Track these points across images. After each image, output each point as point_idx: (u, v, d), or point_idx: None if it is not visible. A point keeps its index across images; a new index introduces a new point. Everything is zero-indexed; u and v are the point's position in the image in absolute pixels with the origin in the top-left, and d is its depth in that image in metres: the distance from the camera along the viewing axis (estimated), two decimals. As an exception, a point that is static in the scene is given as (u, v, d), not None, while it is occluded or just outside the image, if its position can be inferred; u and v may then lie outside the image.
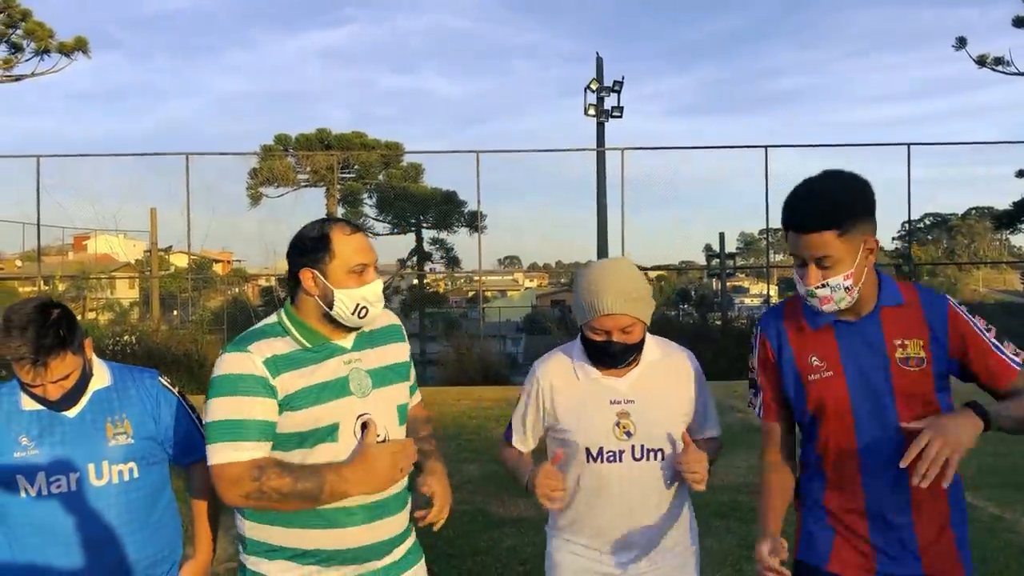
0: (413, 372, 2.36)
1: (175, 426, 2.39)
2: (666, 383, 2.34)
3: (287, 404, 2.00)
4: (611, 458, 2.26)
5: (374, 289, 2.07)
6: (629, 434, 2.26)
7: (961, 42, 19.84)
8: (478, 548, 5.15)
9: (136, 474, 2.28)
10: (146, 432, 2.32)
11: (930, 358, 2.01)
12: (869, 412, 2.04)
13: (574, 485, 2.32)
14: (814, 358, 2.09)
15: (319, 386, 2.02)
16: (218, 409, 1.99)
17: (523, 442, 2.47)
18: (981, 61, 20.22)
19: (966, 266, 40.67)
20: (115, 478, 2.24)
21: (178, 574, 2.44)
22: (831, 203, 1.95)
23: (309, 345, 2.07)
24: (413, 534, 2.30)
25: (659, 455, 2.27)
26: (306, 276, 2.05)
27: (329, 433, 2.02)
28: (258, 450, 1.97)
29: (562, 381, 2.36)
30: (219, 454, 1.96)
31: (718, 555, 4.89)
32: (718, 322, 19.56)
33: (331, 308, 2.05)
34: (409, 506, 2.23)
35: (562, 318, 21.03)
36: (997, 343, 2.02)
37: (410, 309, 27.30)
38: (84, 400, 2.26)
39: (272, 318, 2.14)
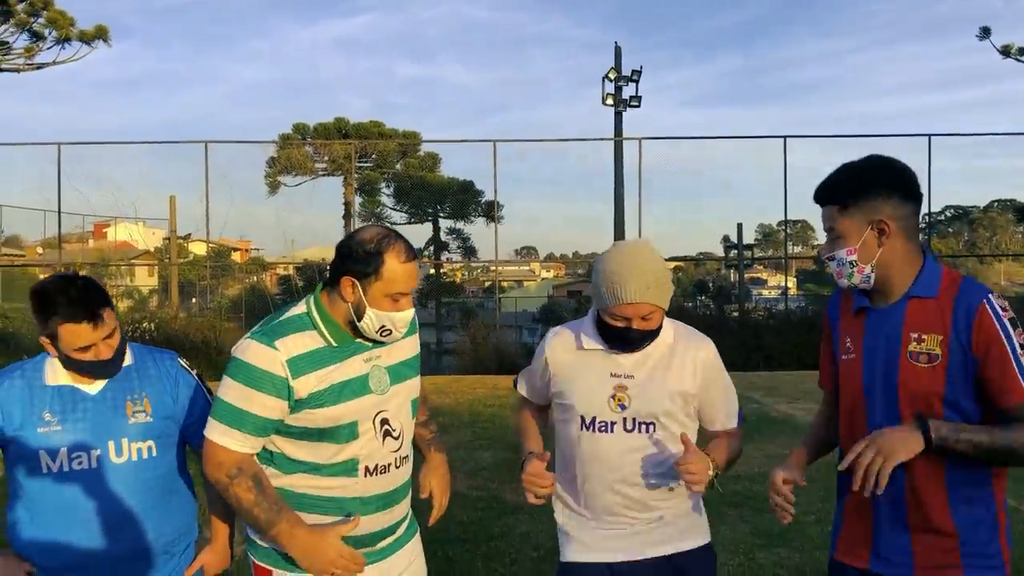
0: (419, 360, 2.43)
1: (191, 407, 2.42)
2: (671, 365, 2.33)
3: (308, 403, 2.04)
4: (603, 428, 2.30)
5: (404, 316, 2.11)
6: (623, 407, 2.29)
7: (985, 32, 19.58)
8: (492, 534, 5.18)
9: (154, 452, 2.31)
10: (165, 411, 2.35)
11: (946, 356, 1.93)
12: (878, 401, 2.04)
13: (571, 451, 2.37)
14: (847, 340, 2.14)
15: (340, 385, 2.07)
16: (230, 391, 2.04)
17: (527, 392, 2.59)
18: (1005, 51, 19.95)
19: (987, 259, 40.25)
20: (134, 455, 2.27)
21: (194, 554, 2.48)
22: (838, 179, 2.05)
23: (335, 343, 2.10)
24: (411, 516, 2.38)
25: (651, 428, 2.29)
26: (346, 284, 2.06)
27: (350, 431, 2.09)
28: (251, 444, 2.05)
29: (569, 353, 2.40)
30: (215, 432, 2.05)
31: (731, 543, 4.90)
32: (735, 313, 19.47)
33: (359, 320, 2.07)
34: (410, 492, 2.31)
35: (578, 309, 20.99)
36: (1019, 356, 1.88)
37: (427, 299, 27.39)
38: (104, 379, 2.29)
39: (301, 307, 2.14)
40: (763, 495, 5.93)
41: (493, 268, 20.52)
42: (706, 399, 2.37)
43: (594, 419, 2.30)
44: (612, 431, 2.29)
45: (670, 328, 2.37)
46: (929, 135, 16.81)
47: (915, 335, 1.97)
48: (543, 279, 54.83)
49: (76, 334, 2.15)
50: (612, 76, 20.20)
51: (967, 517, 1.96)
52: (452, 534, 5.04)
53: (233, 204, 22.68)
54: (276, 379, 2.00)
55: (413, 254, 2.10)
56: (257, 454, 2.11)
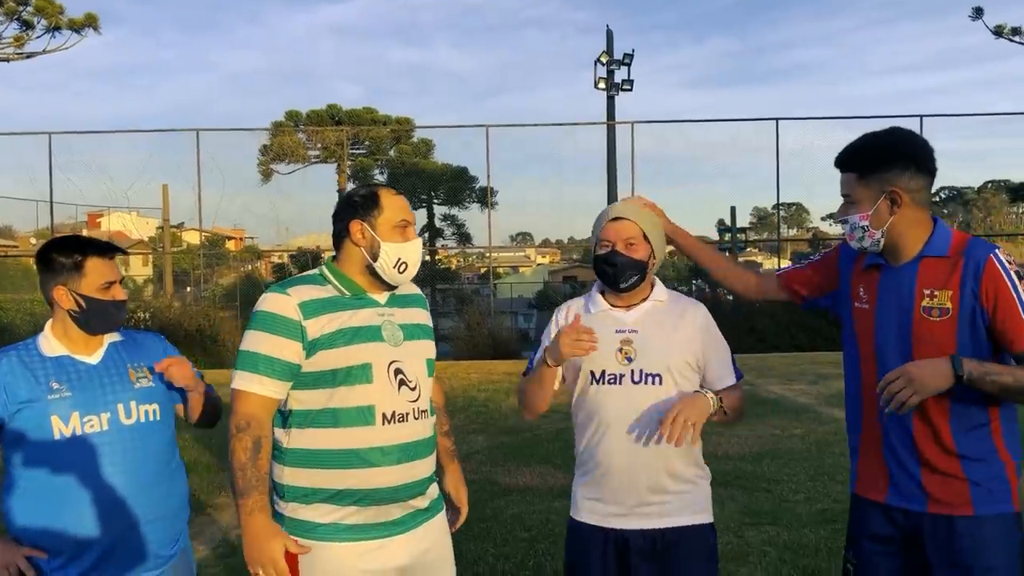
0: (433, 345, 2.49)
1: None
2: (671, 321, 2.45)
3: (321, 344, 2.14)
4: (612, 380, 2.39)
5: (415, 247, 2.27)
6: (630, 359, 2.39)
7: (978, 12, 19.60)
8: (484, 515, 5.22)
9: (159, 416, 2.39)
10: (162, 380, 2.42)
11: (956, 310, 2.07)
12: (891, 353, 2.16)
13: (585, 411, 2.46)
14: (861, 290, 2.28)
15: (353, 329, 2.18)
16: (248, 339, 2.17)
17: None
18: (998, 32, 19.97)
19: (981, 239, 40.23)
20: (142, 417, 2.35)
21: (189, 540, 2.52)
22: (859, 148, 2.19)
23: (347, 294, 2.23)
24: (436, 489, 2.40)
25: (657, 380, 2.37)
26: (355, 227, 2.23)
27: (364, 374, 2.16)
28: (269, 387, 2.13)
29: (575, 314, 2.48)
30: (241, 380, 2.15)
31: (720, 522, 4.88)
32: (729, 296, 19.52)
33: (375, 260, 2.22)
34: (435, 452, 2.36)
35: (573, 294, 21.01)
36: None
37: (422, 285, 27.35)
38: (102, 350, 2.37)
39: (314, 270, 2.31)
40: (753, 475, 6.03)
41: (488, 254, 20.51)
42: (706, 360, 2.46)
43: (603, 372, 2.40)
44: (620, 383, 2.38)
45: (662, 289, 2.52)
46: (921, 116, 16.82)
47: (927, 291, 2.12)
48: (538, 265, 54.87)
49: (107, 268, 2.33)
50: (604, 60, 20.14)
51: (973, 455, 2.10)
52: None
53: (226, 192, 22.56)
54: (290, 322, 2.13)
55: (400, 191, 2.32)
56: (283, 420, 2.20)
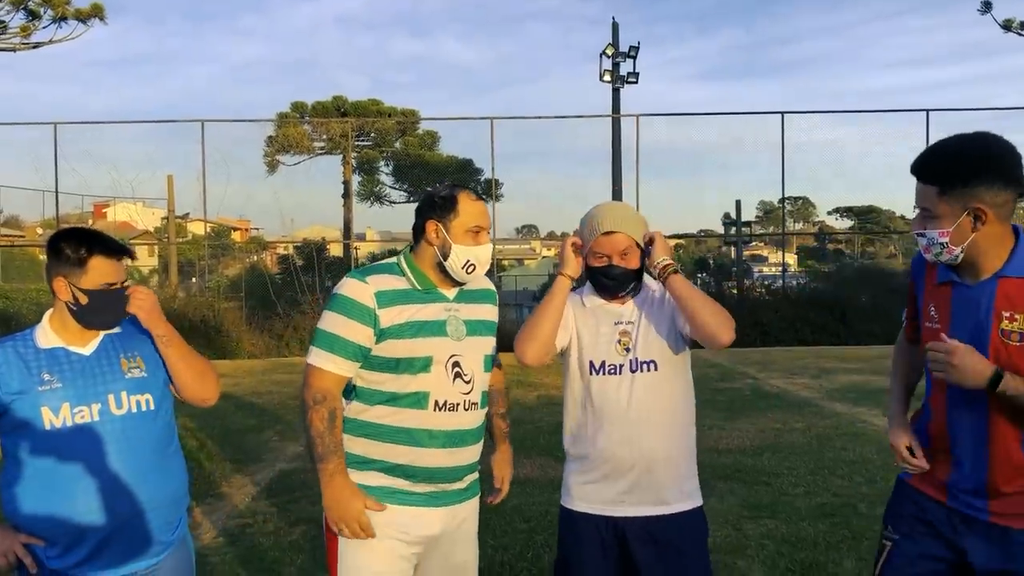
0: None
1: None
2: (662, 306, 2.52)
3: (390, 333, 2.31)
4: (612, 371, 2.47)
5: (485, 251, 2.40)
6: (628, 349, 2.48)
7: (986, 6, 19.45)
8: (483, 506, 5.23)
9: (152, 406, 2.39)
10: (157, 368, 2.43)
11: None
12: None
13: (582, 400, 2.52)
14: (932, 308, 2.17)
15: (420, 323, 2.33)
16: (326, 319, 2.34)
17: None
18: (1007, 26, 19.83)
19: (988, 235, 40.13)
20: (133, 407, 2.34)
21: (187, 528, 2.53)
22: (943, 161, 2.01)
23: (419, 287, 2.38)
24: (476, 475, 2.55)
25: (652, 366, 2.46)
26: (431, 227, 2.37)
27: (424, 365, 2.33)
28: (342, 366, 2.32)
29: (575, 311, 2.57)
30: (317, 357, 2.33)
31: (719, 515, 4.95)
32: (734, 291, 19.50)
33: (445, 259, 2.36)
34: (481, 443, 2.50)
35: (578, 287, 21.00)
36: None
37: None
38: (96, 341, 2.37)
39: (392, 259, 2.46)
40: (754, 468, 6.04)
41: (494, 246, 20.52)
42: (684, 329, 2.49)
43: (603, 363, 2.48)
44: (620, 372, 2.46)
45: (653, 281, 2.56)
46: (927, 110, 16.76)
47: (1007, 314, 2.00)
48: (544, 257, 54.76)
49: (111, 269, 2.33)
50: (609, 52, 20.08)
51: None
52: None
53: (231, 183, 22.58)
54: (365, 308, 2.29)
55: (480, 196, 2.46)
56: (345, 393, 2.37)
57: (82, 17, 19.21)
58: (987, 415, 2.05)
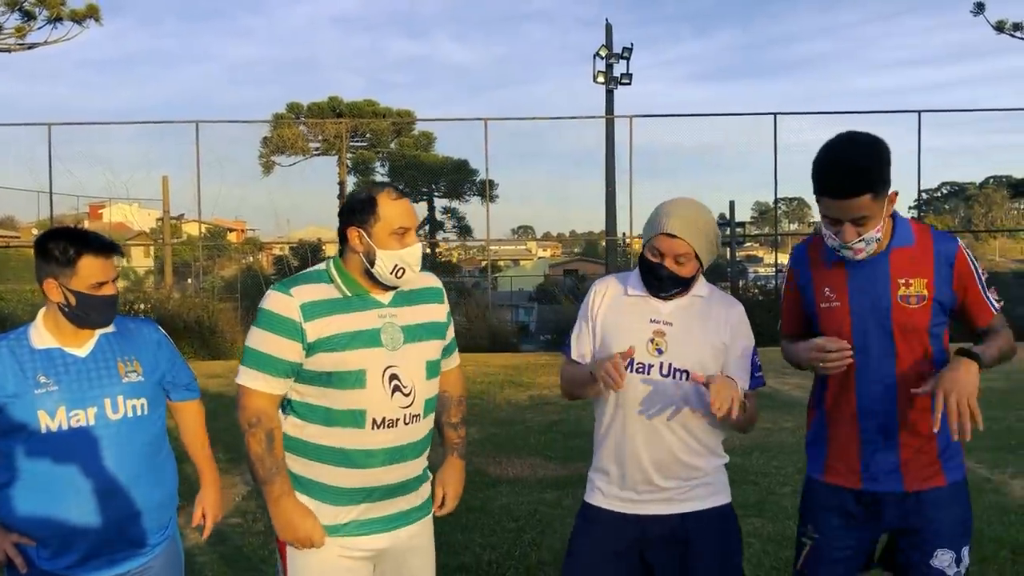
0: (451, 333, 2.53)
1: (172, 367, 2.55)
2: (706, 316, 2.44)
3: (320, 346, 2.19)
4: (640, 370, 2.37)
5: (413, 252, 2.26)
6: (660, 351, 2.38)
7: (979, 8, 19.53)
8: (472, 506, 5.27)
9: (146, 411, 2.40)
10: (152, 373, 2.45)
11: (931, 296, 2.22)
12: (867, 343, 2.26)
13: (609, 398, 2.43)
14: (827, 289, 2.33)
15: (351, 333, 2.22)
16: (253, 336, 2.24)
17: (581, 352, 2.55)
18: (1000, 27, 19.92)
19: (983, 235, 40.31)
20: (129, 412, 2.35)
21: (178, 526, 2.56)
22: (864, 170, 2.13)
23: (350, 294, 2.26)
24: (427, 489, 2.46)
25: (685, 376, 2.36)
26: (353, 234, 2.24)
27: (358, 379, 2.21)
28: (273, 384, 2.22)
29: (611, 296, 2.51)
30: (247, 377, 2.24)
31: (706, 514, 4.98)
32: (728, 292, 19.54)
33: (372, 266, 2.24)
34: (426, 454, 2.40)
35: (574, 288, 21.01)
36: (985, 287, 2.28)
37: (422, 278, 27.36)
38: (92, 342, 2.37)
39: (321, 265, 2.34)
40: (742, 468, 6.08)
41: (487, 247, 20.54)
42: (732, 357, 2.44)
43: (632, 360, 2.35)
44: (648, 373, 2.37)
45: (705, 286, 2.49)
46: (919, 111, 16.81)
47: (903, 280, 2.24)
48: (539, 258, 54.82)
49: (101, 267, 2.31)
50: (603, 53, 20.12)
51: (943, 429, 2.18)
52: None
53: (226, 184, 22.57)
54: (290, 323, 2.19)
55: (403, 194, 2.30)
56: (282, 407, 2.28)
57: (77, 18, 19.20)
58: (896, 398, 2.24)
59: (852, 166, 2.13)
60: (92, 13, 19.27)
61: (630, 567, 2.42)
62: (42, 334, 2.33)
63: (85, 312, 2.31)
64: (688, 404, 2.37)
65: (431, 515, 2.48)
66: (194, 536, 4.74)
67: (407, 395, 2.27)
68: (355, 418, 2.22)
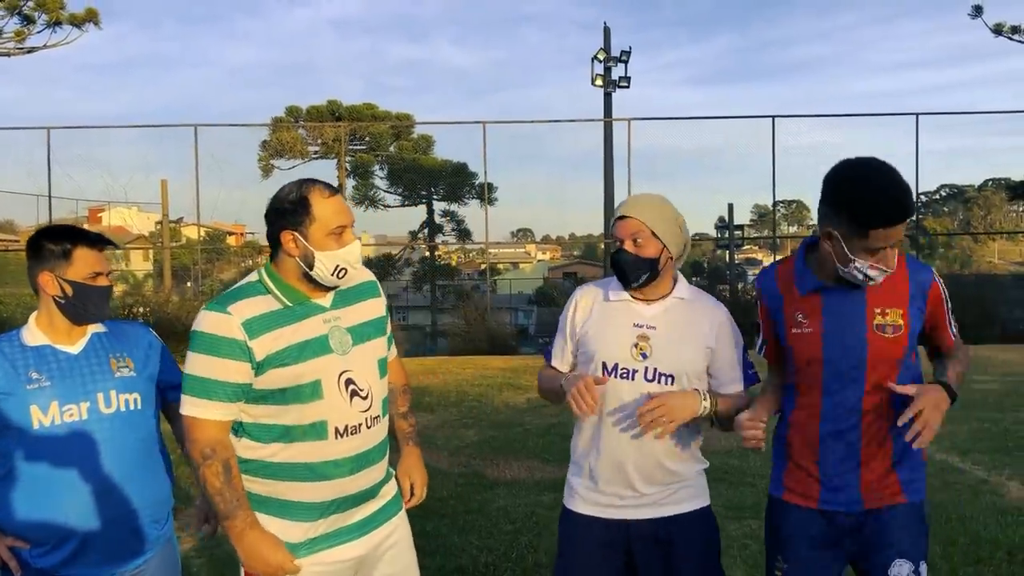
0: (390, 327, 2.45)
1: (167, 369, 2.54)
2: (690, 319, 2.43)
3: (270, 363, 2.07)
4: (624, 375, 2.36)
5: (352, 250, 2.14)
6: (645, 356, 2.36)
7: (977, 10, 19.59)
8: (470, 508, 5.29)
9: (139, 406, 2.40)
10: (145, 370, 2.45)
11: (907, 326, 2.20)
12: (838, 370, 2.23)
13: (579, 419, 2.42)
14: (799, 315, 2.29)
15: (300, 344, 2.11)
16: (194, 363, 2.09)
17: (562, 362, 2.57)
18: (997, 30, 19.97)
19: (981, 237, 40.33)
20: (122, 406, 2.35)
21: (173, 525, 2.55)
22: (907, 198, 2.09)
23: (289, 303, 2.14)
24: (393, 486, 2.40)
25: (670, 380, 2.36)
26: (287, 238, 2.11)
27: (314, 390, 2.11)
28: (222, 411, 2.09)
29: (593, 301, 2.50)
30: (194, 407, 2.10)
31: (703, 515, 4.99)
32: (725, 294, 19.56)
33: (311, 269, 2.11)
34: (387, 454, 2.33)
35: (573, 290, 21.04)
36: (951, 316, 2.31)
37: (422, 281, 27.46)
38: (84, 340, 2.38)
39: (253, 276, 2.20)
40: (739, 470, 6.09)
41: (486, 250, 20.56)
42: (713, 362, 2.45)
43: (616, 365, 2.36)
44: (633, 379, 2.35)
45: (685, 287, 2.49)
46: (917, 114, 16.86)
47: (878, 310, 2.21)
48: (539, 261, 54.85)
49: (95, 259, 2.35)
50: (601, 57, 20.16)
51: (906, 452, 2.24)
52: (431, 508, 5.13)
53: (225, 188, 22.61)
54: (234, 343, 2.05)
55: (335, 189, 2.17)
56: (233, 430, 2.15)
57: (77, 22, 19.24)
58: (860, 424, 2.23)
59: (901, 190, 2.08)
60: (91, 17, 19.31)
61: (618, 570, 2.43)
62: (34, 333, 2.34)
63: (82, 302, 2.32)
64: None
65: (403, 510, 2.42)
66: (190, 540, 4.75)
67: (365, 398, 2.19)
68: (317, 430, 2.12)
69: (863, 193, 2.07)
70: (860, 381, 2.21)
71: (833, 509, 2.28)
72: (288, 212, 2.10)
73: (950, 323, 2.31)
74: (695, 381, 2.39)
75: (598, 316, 2.46)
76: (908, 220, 2.14)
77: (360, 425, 2.18)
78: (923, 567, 2.25)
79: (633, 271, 2.36)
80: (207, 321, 2.08)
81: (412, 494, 2.48)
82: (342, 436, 2.14)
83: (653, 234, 2.35)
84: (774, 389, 2.46)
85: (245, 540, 2.08)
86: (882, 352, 2.19)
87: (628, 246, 2.35)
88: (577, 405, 2.26)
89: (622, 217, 2.38)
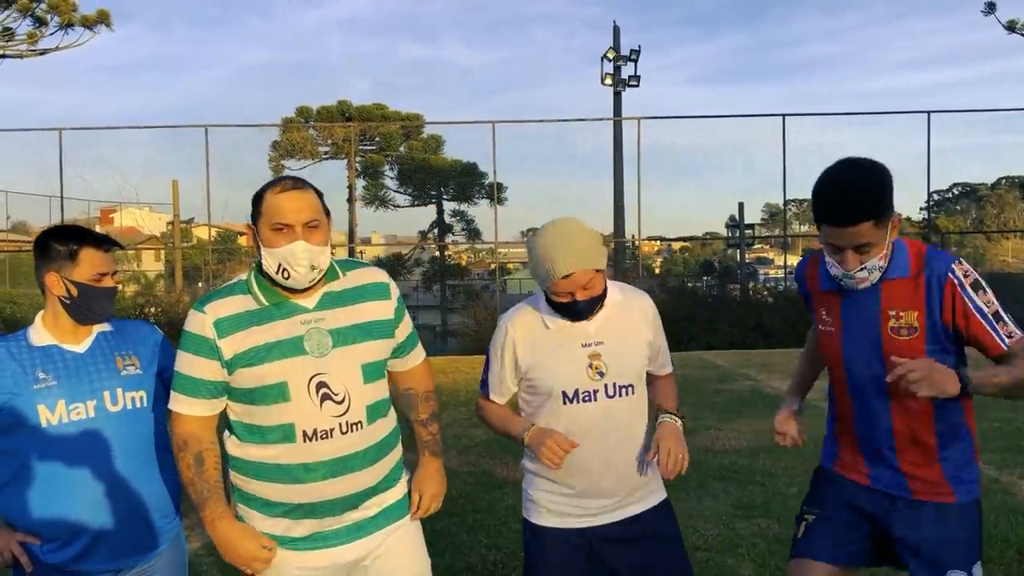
0: (405, 331, 2.38)
1: (169, 365, 2.48)
2: (629, 322, 2.43)
3: (238, 362, 2.09)
4: (586, 398, 2.35)
5: (292, 250, 2.05)
6: (601, 374, 2.35)
7: (991, 7, 19.44)
8: (479, 506, 5.30)
9: (146, 403, 2.42)
10: (151, 368, 2.47)
11: (923, 328, 2.16)
12: (859, 370, 2.28)
13: (552, 427, 2.39)
14: (824, 312, 2.35)
15: (269, 345, 2.09)
16: (179, 360, 2.18)
17: (500, 395, 2.53)
18: (1011, 27, 19.83)
19: (995, 236, 40.04)
20: (129, 404, 2.37)
21: (182, 523, 2.57)
22: (866, 196, 2.07)
23: (267, 303, 2.13)
24: (399, 492, 2.36)
25: (630, 391, 2.39)
26: (248, 233, 2.17)
27: (280, 392, 2.09)
28: (199, 407, 2.16)
29: (531, 331, 2.41)
30: (174, 401, 2.19)
31: (712, 514, 4.99)
32: (735, 293, 19.51)
33: (263, 265, 2.11)
34: (386, 460, 2.28)
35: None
36: (993, 320, 2.12)
37: (432, 281, 27.46)
38: (90, 339, 2.40)
39: (243, 275, 2.22)
40: (749, 469, 6.07)
41: (495, 250, 20.57)
42: (654, 349, 2.50)
43: (576, 391, 2.34)
44: (595, 399, 2.35)
45: (615, 287, 2.46)
46: (928, 112, 16.75)
47: (893, 312, 2.19)
48: (549, 260, 54.62)
49: (101, 259, 2.36)
50: (611, 56, 20.14)
51: (951, 454, 2.24)
52: (440, 508, 5.14)
53: (236, 188, 22.68)
54: (205, 341, 2.11)
55: (295, 185, 2.10)
56: (227, 427, 2.22)
57: (88, 24, 19.35)
58: (891, 414, 2.24)
59: (853, 192, 2.07)
60: (103, 18, 19.42)
61: (592, 571, 2.44)
62: (40, 333, 2.36)
63: (87, 303, 2.34)
64: (638, 419, 2.43)
65: (407, 516, 2.37)
66: (197, 540, 4.77)
67: (340, 403, 2.12)
68: (285, 433, 2.10)
69: (819, 188, 2.14)
70: (883, 386, 2.18)
71: (881, 489, 2.31)
72: (253, 206, 2.13)
73: (992, 326, 2.11)
74: (644, 375, 2.47)
75: (543, 347, 2.39)
76: (864, 225, 2.07)
77: (332, 430, 2.12)
78: (977, 570, 2.22)
79: (588, 311, 2.34)
80: (189, 320, 2.15)
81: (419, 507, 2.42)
82: (311, 440, 2.11)
83: (596, 271, 2.30)
84: (802, 367, 2.70)
85: (217, 530, 2.14)
86: (900, 355, 2.11)
87: (580, 295, 2.28)
88: (550, 461, 2.26)
89: (566, 276, 2.24)
